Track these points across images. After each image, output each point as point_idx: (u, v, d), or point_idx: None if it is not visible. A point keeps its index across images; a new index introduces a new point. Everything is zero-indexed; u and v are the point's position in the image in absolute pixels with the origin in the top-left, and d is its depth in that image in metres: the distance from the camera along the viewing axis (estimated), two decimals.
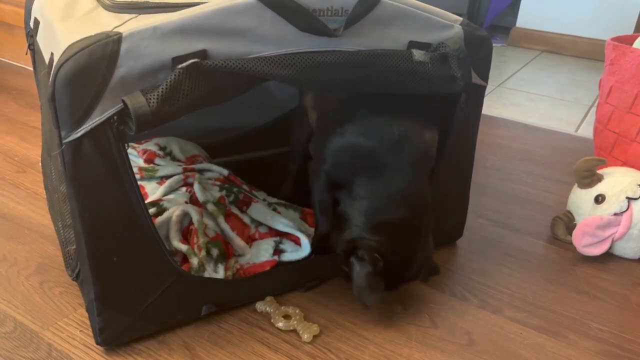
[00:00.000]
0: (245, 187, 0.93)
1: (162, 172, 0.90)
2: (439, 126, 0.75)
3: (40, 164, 1.08)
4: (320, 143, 0.74)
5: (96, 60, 0.52)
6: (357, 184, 0.70)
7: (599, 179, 0.94)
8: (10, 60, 1.83)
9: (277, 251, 0.81)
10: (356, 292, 0.67)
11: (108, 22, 0.58)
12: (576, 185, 0.98)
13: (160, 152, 0.98)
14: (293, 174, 1.00)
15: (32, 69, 0.85)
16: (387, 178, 0.69)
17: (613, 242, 0.90)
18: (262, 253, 0.79)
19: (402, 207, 0.68)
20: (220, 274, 0.73)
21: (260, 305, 0.74)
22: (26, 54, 0.83)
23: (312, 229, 0.87)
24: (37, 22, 0.75)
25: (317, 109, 0.81)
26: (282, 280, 0.77)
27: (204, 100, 0.57)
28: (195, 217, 0.78)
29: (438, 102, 0.74)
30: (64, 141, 0.54)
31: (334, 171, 0.73)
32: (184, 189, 0.88)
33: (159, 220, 0.77)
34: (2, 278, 0.78)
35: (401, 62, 0.65)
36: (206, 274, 0.72)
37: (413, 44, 0.68)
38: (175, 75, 0.55)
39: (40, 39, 0.72)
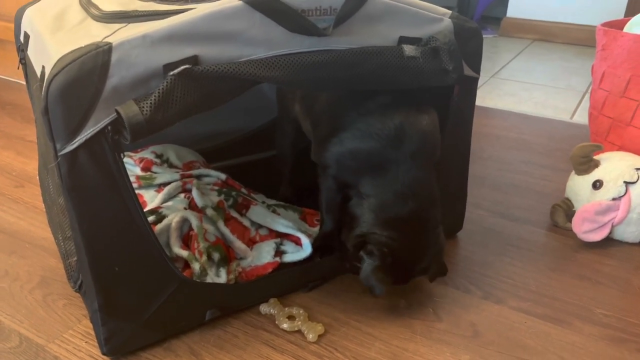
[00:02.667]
0: (243, 190, 0.93)
1: (159, 179, 0.91)
2: (436, 105, 0.74)
3: (37, 177, 1.08)
4: (320, 153, 0.75)
5: (87, 72, 0.52)
6: (362, 184, 0.70)
7: (596, 164, 0.94)
8: (2, 75, 1.83)
9: (279, 252, 0.81)
10: (363, 282, 0.69)
11: (98, 32, 0.58)
12: (573, 172, 0.98)
13: (157, 160, 0.98)
14: (287, 177, 1.00)
15: (25, 83, 0.85)
16: (391, 173, 0.69)
17: (613, 227, 0.90)
18: (263, 255, 0.79)
19: (409, 200, 0.69)
20: (223, 278, 0.74)
21: (264, 308, 0.74)
22: (18, 68, 0.83)
23: (313, 229, 0.87)
24: (27, 36, 0.75)
25: (309, 118, 0.81)
26: (285, 282, 0.77)
27: (197, 106, 0.57)
28: (194, 222, 0.78)
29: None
30: (59, 154, 0.54)
31: (340, 175, 0.74)
32: (182, 195, 0.88)
33: (158, 227, 0.77)
34: (5, 293, 0.78)
35: (392, 58, 0.65)
36: (208, 279, 0.72)
37: (403, 40, 0.68)
38: (167, 82, 0.55)
39: (31, 52, 0.72)
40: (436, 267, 0.73)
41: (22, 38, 0.78)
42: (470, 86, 0.79)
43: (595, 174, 0.93)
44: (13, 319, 0.73)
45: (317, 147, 0.76)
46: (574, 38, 2.44)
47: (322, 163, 0.75)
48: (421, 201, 0.69)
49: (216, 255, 0.76)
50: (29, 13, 0.76)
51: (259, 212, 0.86)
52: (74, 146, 0.54)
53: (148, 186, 0.90)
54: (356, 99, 0.71)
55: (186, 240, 0.78)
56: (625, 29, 1.09)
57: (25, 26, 0.77)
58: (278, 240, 0.83)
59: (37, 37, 0.68)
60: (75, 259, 0.68)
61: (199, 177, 0.93)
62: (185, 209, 0.83)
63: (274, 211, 0.88)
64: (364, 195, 0.70)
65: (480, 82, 1.74)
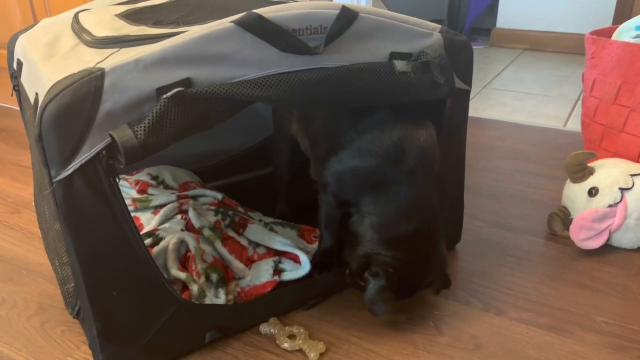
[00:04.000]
0: (240, 209, 0.93)
1: (155, 201, 0.90)
2: (430, 119, 0.74)
3: (33, 203, 1.08)
4: (320, 171, 0.75)
5: (81, 98, 0.52)
6: (363, 202, 0.70)
7: (591, 172, 0.95)
8: None
9: (277, 271, 0.80)
10: (368, 304, 0.69)
11: (90, 58, 0.58)
12: (569, 180, 0.98)
13: (153, 182, 0.98)
14: (283, 195, 1.00)
15: (19, 109, 0.86)
16: (392, 191, 0.69)
17: (610, 233, 0.90)
18: (262, 274, 0.79)
19: (411, 217, 0.69)
20: (222, 298, 0.73)
21: (264, 327, 0.73)
22: (12, 95, 0.83)
23: (311, 246, 0.87)
24: (20, 63, 0.75)
25: (307, 137, 0.81)
26: (285, 300, 0.77)
27: (191, 128, 0.57)
28: (191, 243, 0.78)
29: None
30: (54, 180, 0.54)
31: (340, 193, 0.74)
32: (179, 216, 0.87)
33: (155, 250, 0.76)
34: (3, 321, 0.77)
35: (384, 74, 0.66)
36: (207, 300, 0.72)
37: (394, 55, 0.68)
38: (160, 105, 0.55)
39: (25, 79, 0.72)
40: (440, 280, 0.73)
41: (15, 65, 0.79)
42: (462, 98, 0.79)
43: (591, 182, 0.93)
44: (11, 347, 0.72)
45: (317, 165, 0.76)
46: (563, 46, 2.46)
47: (322, 181, 0.75)
48: (423, 217, 0.70)
49: (214, 276, 0.75)
50: (21, 40, 0.77)
51: (256, 231, 0.86)
52: (69, 172, 0.54)
53: (144, 208, 0.90)
54: (353, 116, 0.71)
55: (184, 262, 0.78)
56: (614, 37, 1.11)
57: (18, 53, 0.77)
58: (276, 258, 0.83)
59: (30, 64, 0.68)
60: (72, 284, 0.67)
61: (195, 197, 0.93)
62: (182, 230, 0.82)
63: (271, 229, 0.88)
64: (365, 213, 0.70)
65: (472, 93, 1.75)
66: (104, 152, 0.55)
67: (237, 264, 0.79)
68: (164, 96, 0.55)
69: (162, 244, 0.78)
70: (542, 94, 1.85)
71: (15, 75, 0.79)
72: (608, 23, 2.27)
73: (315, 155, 0.78)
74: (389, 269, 0.67)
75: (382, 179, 0.69)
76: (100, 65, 0.54)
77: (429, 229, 0.70)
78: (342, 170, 0.71)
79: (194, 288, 0.73)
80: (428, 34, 0.71)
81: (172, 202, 0.90)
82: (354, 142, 0.70)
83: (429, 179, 0.72)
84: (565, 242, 0.94)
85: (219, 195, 0.94)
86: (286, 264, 0.82)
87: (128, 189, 0.96)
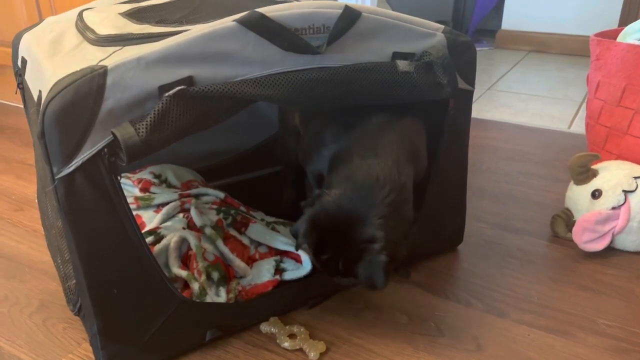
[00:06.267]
0: (242, 208, 0.93)
1: (158, 200, 0.90)
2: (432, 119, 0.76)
3: (36, 201, 1.09)
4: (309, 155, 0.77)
5: (83, 95, 0.52)
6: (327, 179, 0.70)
7: (594, 174, 0.94)
8: (1, 99, 1.84)
9: (279, 270, 0.80)
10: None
11: (93, 56, 0.59)
12: (572, 182, 0.98)
13: (156, 180, 0.98)
14: (289, 180, 1.01)
15: (23, 107, 0.86)
16: (355, 165, 0.68)
17: (613, 236, 0.90)
18: (263, 273, 0.79)
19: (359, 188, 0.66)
20: (222, 297, 0.73)
21: (264, 327, 0.73)
22: (16, 93, 0.83)
23: None
24: (24, 61, 0.75)
25: (307, 129, 0.82)
26: (285, 300, 0.77)
27: (193, 126, 0.57)
28: (193, 241, 0.78)
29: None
30: (56, 177, 0.54)
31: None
32: (181, 215, 0.87)
33: (157, 248, 0.76)
34: (5, 318, 0.78)
35: (386, 73, 0.66)
36: (208, 299, 0.72)
37: (397, 55, 0.68)
38: (162, 103, 0.55)
39: (29, 77, 0.73)
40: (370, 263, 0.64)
41: (19, 63, 0.79)
42: (465, 99, 0.79)
43: (594, 184, 0.93)
44: (13, 344, 0.73)
45: (309, 151, 0.78)
46: (569, 48, 2.46)
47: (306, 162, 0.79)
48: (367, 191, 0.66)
49: (215, 275, 0.75)
50: (26, 38, 0.77)
51: (258, 230, 0.86)
52: (71, 169, 0.54)
53: (146, 207, 0.90)
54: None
55: (185, 260, 0.78)
56: (619, 39, 1.10)
57: (22, 51, 0.78)
58: (278, 257, 0.83)
59: (34, 62, 0.69)
60: (74, 282, 0.67)
61: (197, 196, 0.93)
62: (183, 228, 0.82)
63: (273, 228, 0.88)
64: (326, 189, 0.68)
65: (476, 95, 1.75)
66: (105, 149, 0.55)
67: (238, 263, 0.79)
68: (166, 94, 0.55)
69: (163, 242, 0.78)
70: (546, 95, 1.85)
71: (19, 73, 0.79)
72: (614, 25, 2.26)
73: (309, 143, 0.80)
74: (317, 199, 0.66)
75: (349, 157, 0.68)
76: (103, 63, 0.54)
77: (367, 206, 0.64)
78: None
79: (195, 286, 0.73)
80: (431, 34, 0.71)
81: (175, 200, 0.90)
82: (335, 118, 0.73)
83: (403, 156, 0.69)
84: (568, 244, 0.94)
85: (221, 194, 0.94)
86: (287, 264, 0.82)
87: (131, 187, 0.96)
